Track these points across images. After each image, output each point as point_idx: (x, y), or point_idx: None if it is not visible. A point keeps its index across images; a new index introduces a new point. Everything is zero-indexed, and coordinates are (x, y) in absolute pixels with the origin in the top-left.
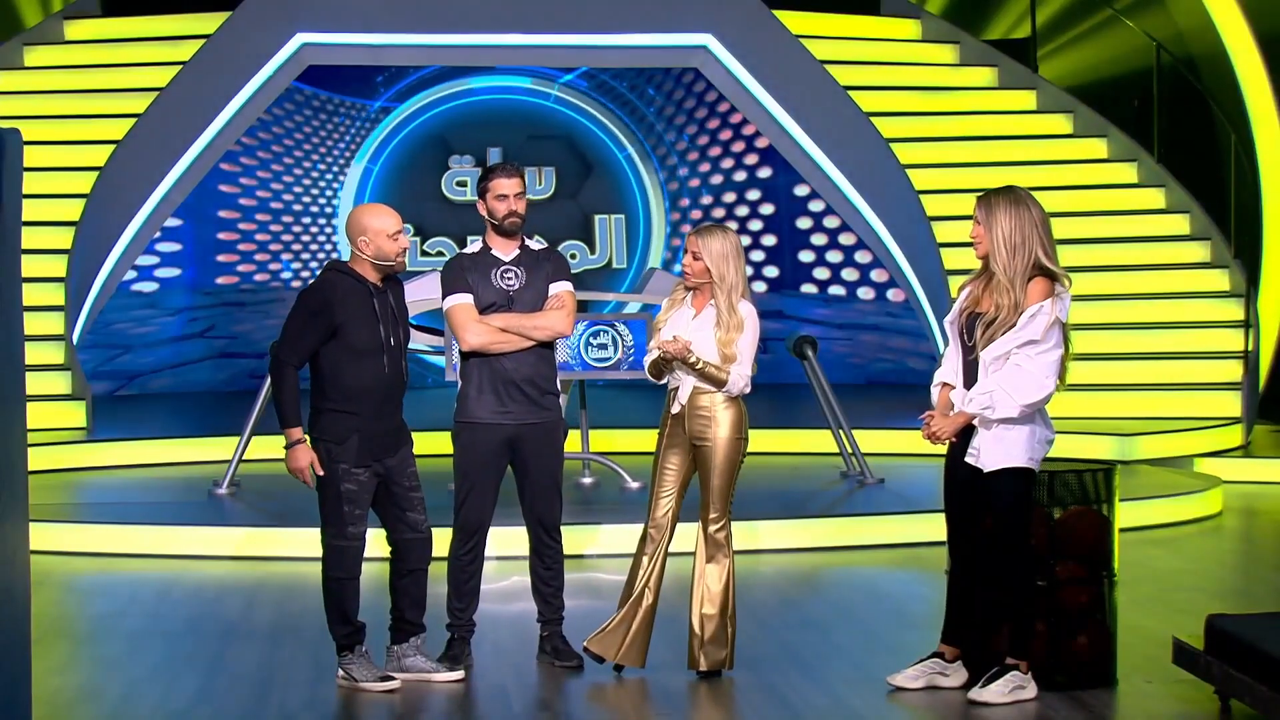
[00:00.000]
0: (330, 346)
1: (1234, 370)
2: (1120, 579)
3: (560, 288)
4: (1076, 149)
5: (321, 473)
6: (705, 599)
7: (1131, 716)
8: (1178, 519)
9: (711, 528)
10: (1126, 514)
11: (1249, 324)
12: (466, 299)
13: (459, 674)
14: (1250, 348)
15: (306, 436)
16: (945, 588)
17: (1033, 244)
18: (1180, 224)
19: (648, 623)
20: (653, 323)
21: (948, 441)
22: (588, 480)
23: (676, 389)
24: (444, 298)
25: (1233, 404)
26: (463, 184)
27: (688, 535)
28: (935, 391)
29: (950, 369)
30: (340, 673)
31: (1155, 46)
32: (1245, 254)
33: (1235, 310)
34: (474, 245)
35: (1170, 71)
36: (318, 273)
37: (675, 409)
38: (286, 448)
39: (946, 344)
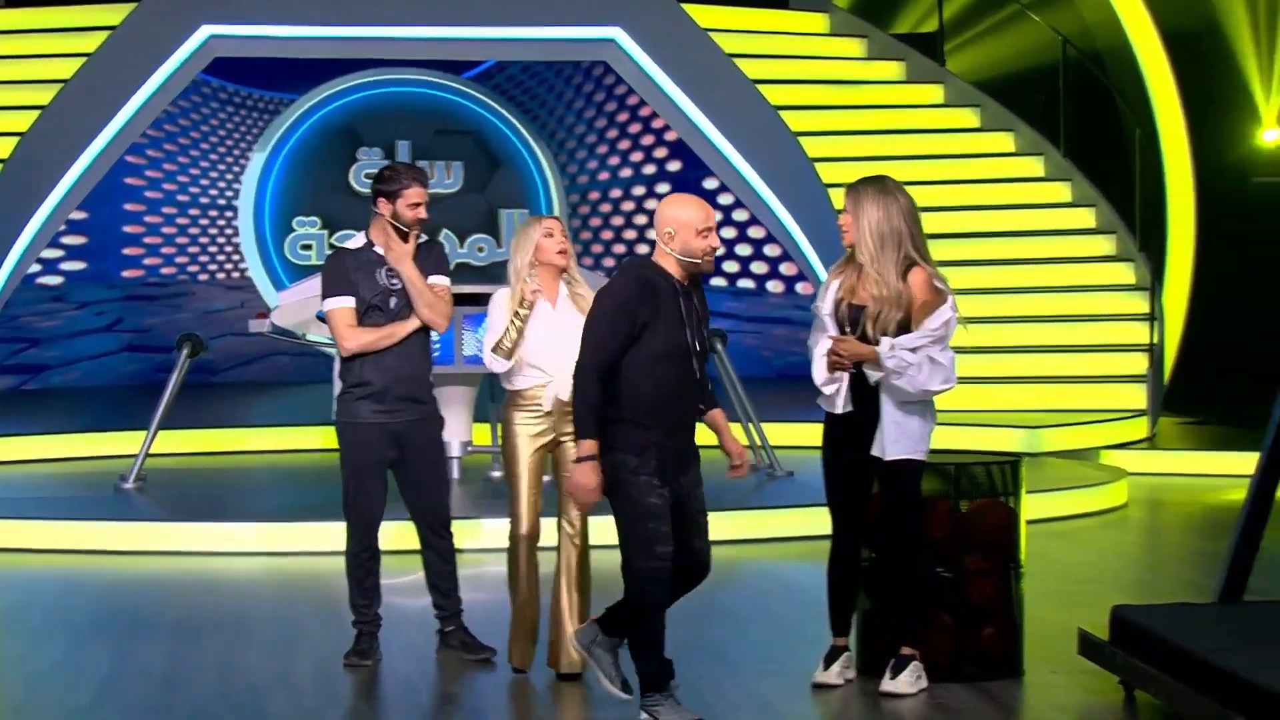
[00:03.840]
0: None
1: (1139, 363)
2: (1027, 571)
3: (437, 281)
4: (983, 143)
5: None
6: (580, 595)
7: (1038, 708)
8: (1083, 511)
9: (579, 523)
10: (1033, 506)
11: (1154, 317)
12: (348, 303)
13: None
14: (1155, 341)
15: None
16: (845, 580)
17: (903, 235)
18: (1086, 217)
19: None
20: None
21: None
22: (497, 474)
23: (546, 384)
24: (324, 298)
25: (1138, 396)
26: (371, 176)
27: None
28: (822, 362)
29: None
30: (644, 715)
31: (1061, 41)
32: (1150, 247)
33: (1140, 303)
34: (356, 240)
35: (1076, 66)
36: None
37: (550, 405)
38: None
39: (816, 327)
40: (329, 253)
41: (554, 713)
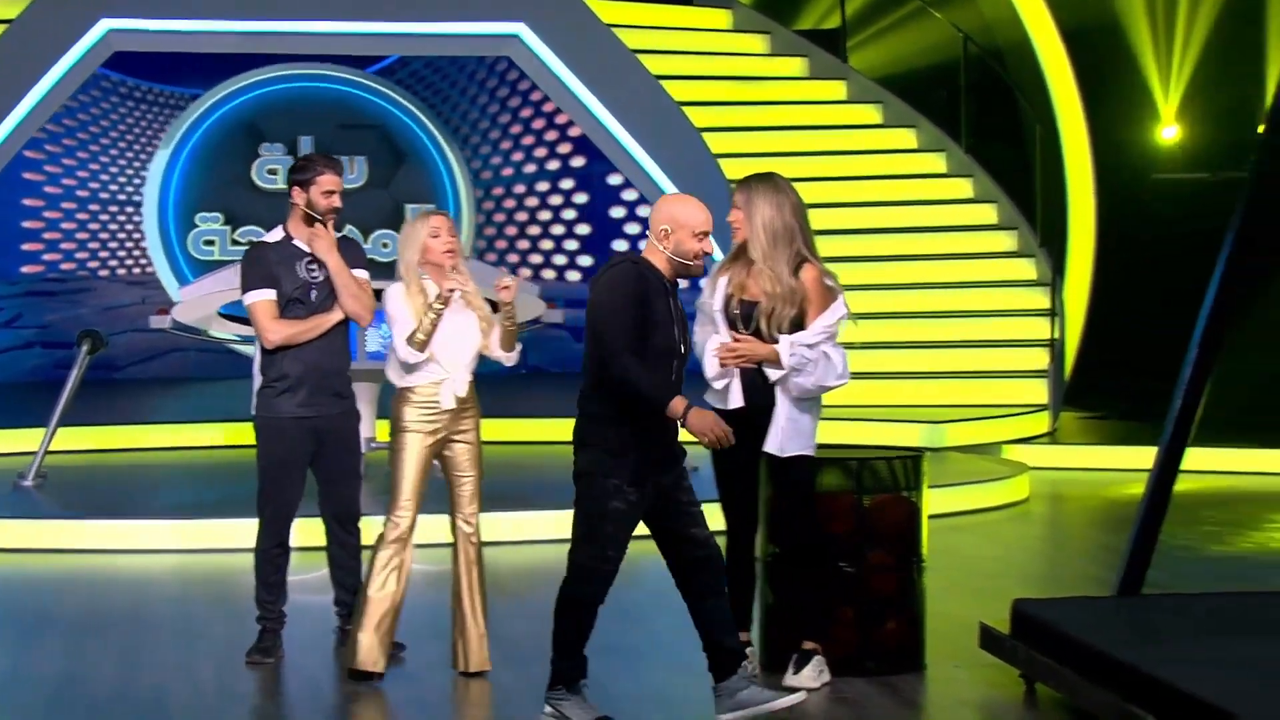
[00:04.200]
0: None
1: (1040, 358)
2: (929, 565)
3: (357, 275)
4: (886, 139)
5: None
6: (480, 594)
7: (940, 701)
8: (986, 505)
9: (475, 520)
10: (935, 501)
11: (1055, 312)
12: (270, 295)
13: (799, 696)
14: (1056, 336)
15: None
16: (741, 576)
17: (794, 231)
18: (988, 213)
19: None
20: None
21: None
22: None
23: (442, 381)
24: (245, 291)
25: (1039, 391)
26: (273, 172)
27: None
28: (713, 358)
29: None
30: (548, 709)
31: (963, 38)
32: (1051, 243)
33: (1041, 299)
34: (275, 234)
35: (977, 63)
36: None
37: (449, 403)
38: (683, 423)
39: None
40: (245, 246)
41: (460, 710)
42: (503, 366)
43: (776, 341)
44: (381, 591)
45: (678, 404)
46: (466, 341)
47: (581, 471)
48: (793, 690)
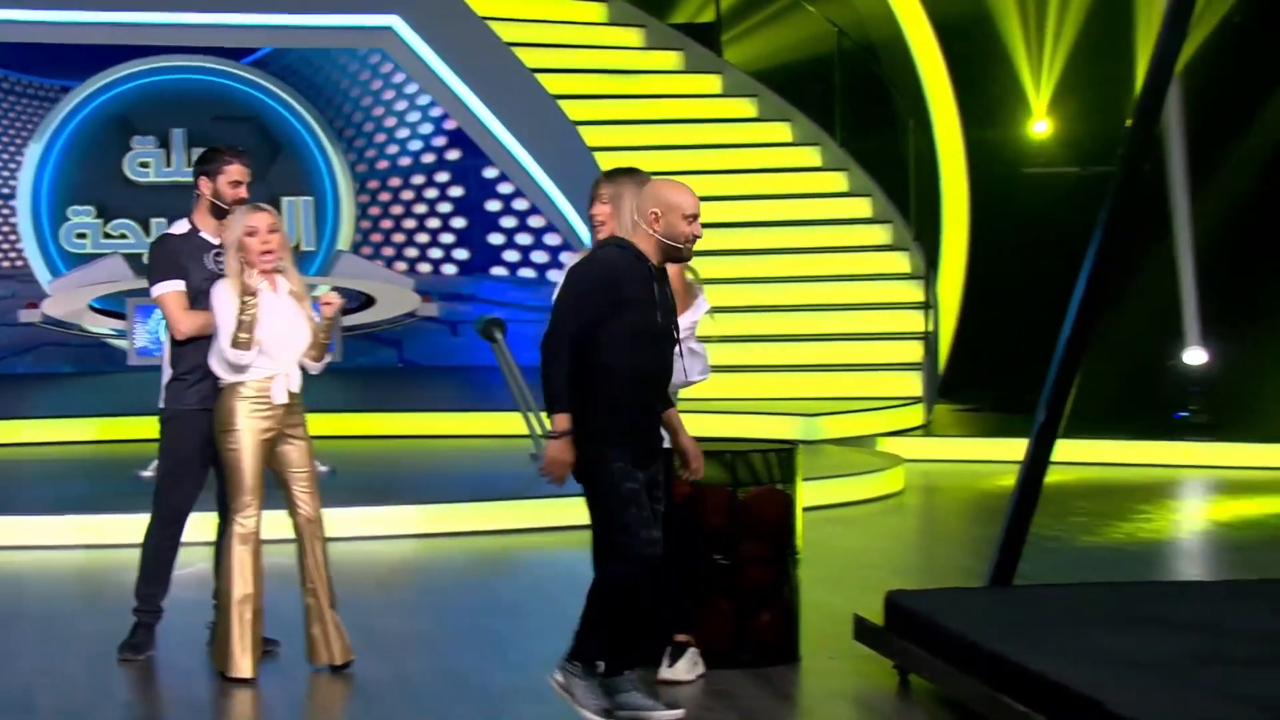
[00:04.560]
0: (609, 327)
1: (915, 351)
2: (804, 557)
3: None
4: (761, 133)
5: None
6: (330, 587)
7: (814, 693)
8: (861, 497)
9: (318, 514)
10: (811, 493)
11: (929, 305)
12: (179, 286)
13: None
14: (930, 329)
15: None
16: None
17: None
18: (862, 207)
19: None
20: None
21: None
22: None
23: (274, 377)
24: (154, 283)
25: (914, 384)
26: (145, 165)
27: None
28: None
29: None
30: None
31: (837, 33)
32: (925, 237)
33: (916, 292)
34: (180, 226)
35: (852, 57)
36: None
37: (282, 398)
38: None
39: None
40: (151, 239)
41: (333, 706)
42: (377, 360)
43: None
44: (243, 593)
45: (561, 420)
46: (297, 337)
47: (587, 465)
48: (578, 668)
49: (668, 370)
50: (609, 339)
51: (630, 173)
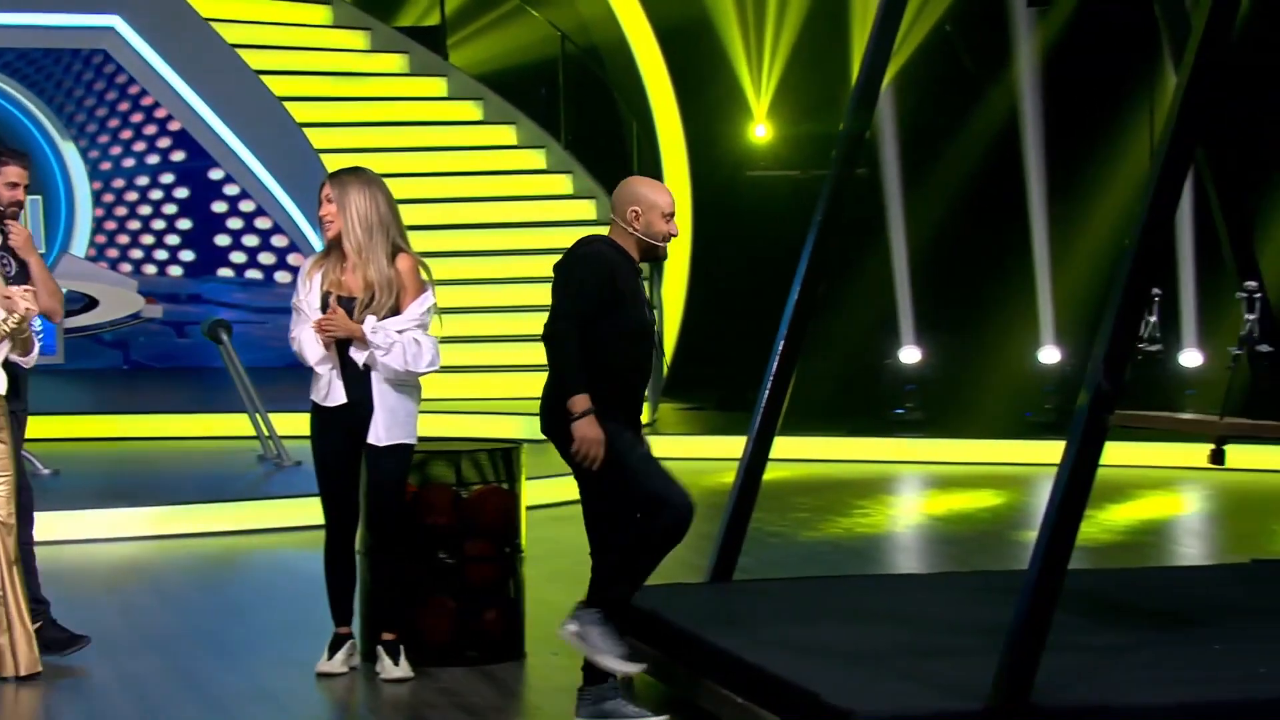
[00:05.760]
0: (607, 320)
1: None
2: (530, 555)
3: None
4: (487, 135)
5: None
6: (25, 594)
7: (539, 688)
8: None
9: (13, 519)
10: (537, 492)
11: (653, 306)
12: None
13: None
14: (655, 329)
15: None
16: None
17: (388, 223)
18: (587, 209)
19: None
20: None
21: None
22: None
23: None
24: None
25: None
26: None
27: None
28: (315, 345)
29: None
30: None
31: (560, 37)
32: None
33: None
34: None
35: (576, 61)
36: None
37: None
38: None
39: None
40: None
41: (52, 705)
42: (103, 362)
43: None
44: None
45: (582, 400)
46: None
47: (609, 446)
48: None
49: (649, 362)
50: (601, 337)
51: (354, 172)
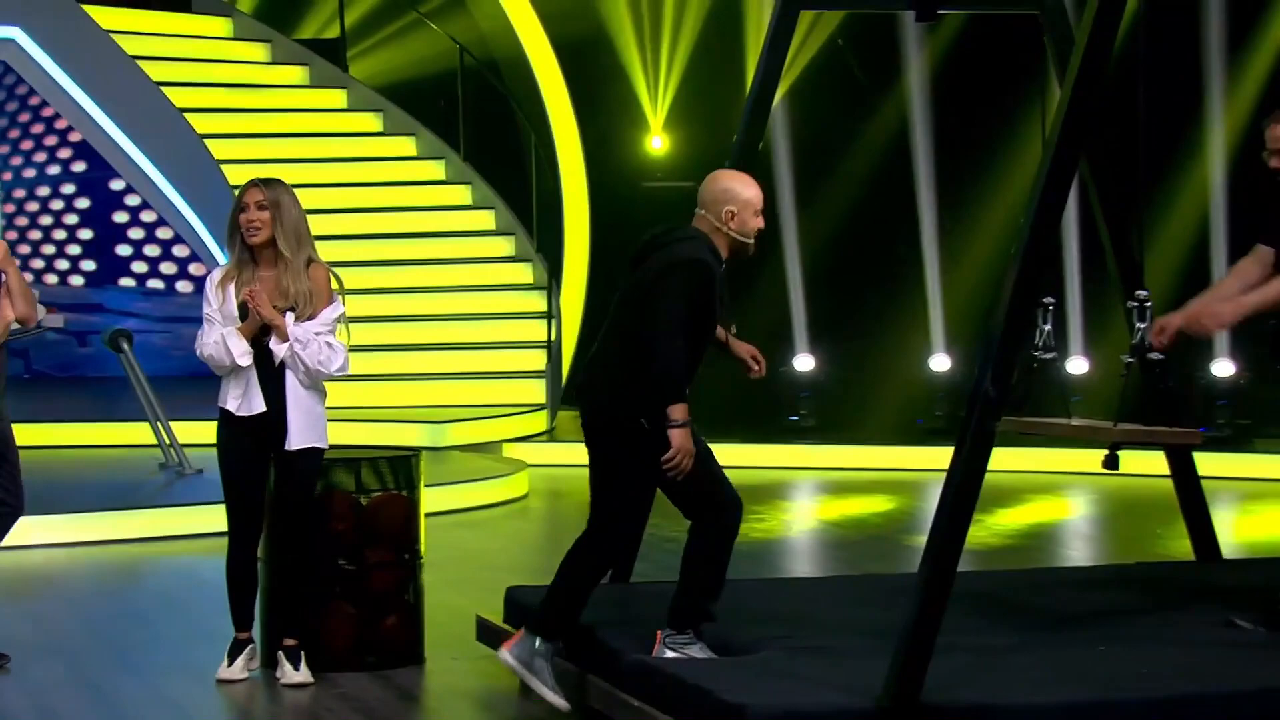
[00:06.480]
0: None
1: (538, 359)
2: (430, 561)
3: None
4: (386, 146)
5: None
6: None
7: (438, 692)
8: (487, 502)
9: None
10: (438, 498)
11: (551, 315)
12: None
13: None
14: (553, 337)
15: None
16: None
17: (307, 233)
18: (486, 219)
19: None
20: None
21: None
22: None
23: None
24: None
25: (538, 391)
26: None
27: None
28: (240, 341)
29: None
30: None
31: (459, 49)
32: (547, 249)
33: (539, 302)
34: None
35: (475, 74)
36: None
37: None
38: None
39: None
40: None
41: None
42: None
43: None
44: None
45: (680, 410)
46: None
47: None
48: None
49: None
50: (692, 335)
51: (279, 181)
